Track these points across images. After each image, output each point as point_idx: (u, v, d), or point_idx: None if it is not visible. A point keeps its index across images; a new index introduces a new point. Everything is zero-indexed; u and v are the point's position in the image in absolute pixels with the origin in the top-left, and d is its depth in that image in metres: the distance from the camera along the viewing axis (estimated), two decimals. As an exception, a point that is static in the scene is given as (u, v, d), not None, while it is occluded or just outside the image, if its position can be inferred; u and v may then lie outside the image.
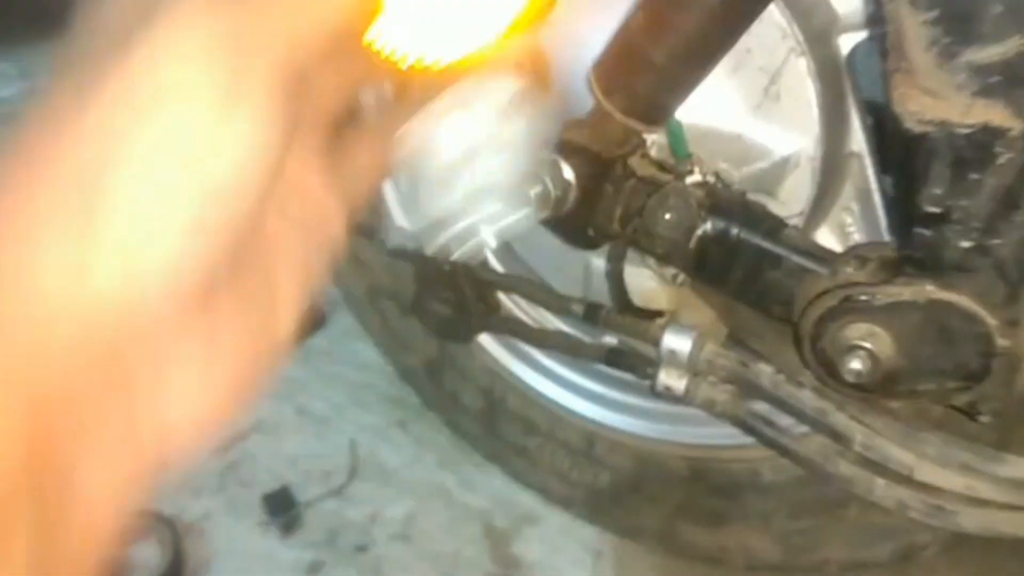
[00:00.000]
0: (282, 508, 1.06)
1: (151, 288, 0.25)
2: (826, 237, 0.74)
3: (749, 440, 0.71)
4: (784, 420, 0.71)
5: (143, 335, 0.26)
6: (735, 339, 0.72)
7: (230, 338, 0.29)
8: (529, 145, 0.47)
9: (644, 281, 0.77)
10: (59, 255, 0.24)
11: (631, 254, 0.73)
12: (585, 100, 0.64)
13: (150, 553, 0.98)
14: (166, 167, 0.25)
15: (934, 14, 0.45)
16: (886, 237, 0.71)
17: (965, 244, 0.51)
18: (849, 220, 0.74)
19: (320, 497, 1.09)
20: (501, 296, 0.87)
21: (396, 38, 0.32)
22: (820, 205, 0.72)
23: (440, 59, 0.33)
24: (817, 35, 0.65)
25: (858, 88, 0.69)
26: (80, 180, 0.25)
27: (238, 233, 0.27)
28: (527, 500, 1.07)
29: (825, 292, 0.58)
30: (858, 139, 0.70)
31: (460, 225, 0.52)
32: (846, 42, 0.67)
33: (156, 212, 0.25)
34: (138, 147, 0.25)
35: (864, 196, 0.72)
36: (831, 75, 0.67)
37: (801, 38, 0.64)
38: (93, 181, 0.25)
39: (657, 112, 0.62)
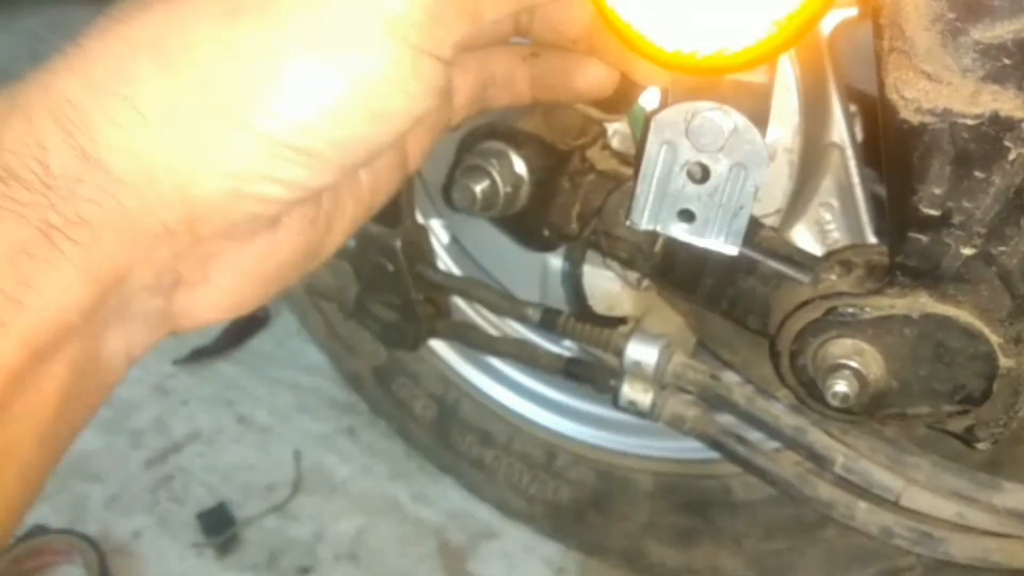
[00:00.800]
0: (219, 527, 1.01)
1: (250, 205, 0.28)
2: (803, 235, 0.70)
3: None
4: (757, 437, 0.66)
5: (210, 240, 0.29)
6: (706, 348, 0.67)
7: (282, 252, 0.32)
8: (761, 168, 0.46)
9: (606, 283, 0.72)
10: (189, 140, 0.27)
11: (592, 253, 0.67)
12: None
13: (73, 577, 0.94)
14: (335, 88, 0.28)
15: (939, -15, 0.39)
16: (868, 237, 0.67)
17: (967, 251, 0.46)
18: (828, 217, 0.70)
19: (260, 514, 1.04)
20: (454, 299, 0.80)
21: (652, 24, 0.34)
22: (797, 200, 0.68)
23: (698, 50, 0.35)
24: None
25: (840, 72, 0.63)
26: (234, 74, 0.27)
27: (360, 164, 0.31)
28: (485, 514, 1.02)
29: (806, 303, 0.53)
30: (839, 129, 0.66)
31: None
32: (828, 20, 0.61)
33: (307, 126, 0.28)
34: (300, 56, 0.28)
35: (845, 191, 0.68)
36: (812, 57, 0.61)
37: (779, 15, 0.58)
38: (248, 81, 0.27)
39: (618, 97, 0.56)
